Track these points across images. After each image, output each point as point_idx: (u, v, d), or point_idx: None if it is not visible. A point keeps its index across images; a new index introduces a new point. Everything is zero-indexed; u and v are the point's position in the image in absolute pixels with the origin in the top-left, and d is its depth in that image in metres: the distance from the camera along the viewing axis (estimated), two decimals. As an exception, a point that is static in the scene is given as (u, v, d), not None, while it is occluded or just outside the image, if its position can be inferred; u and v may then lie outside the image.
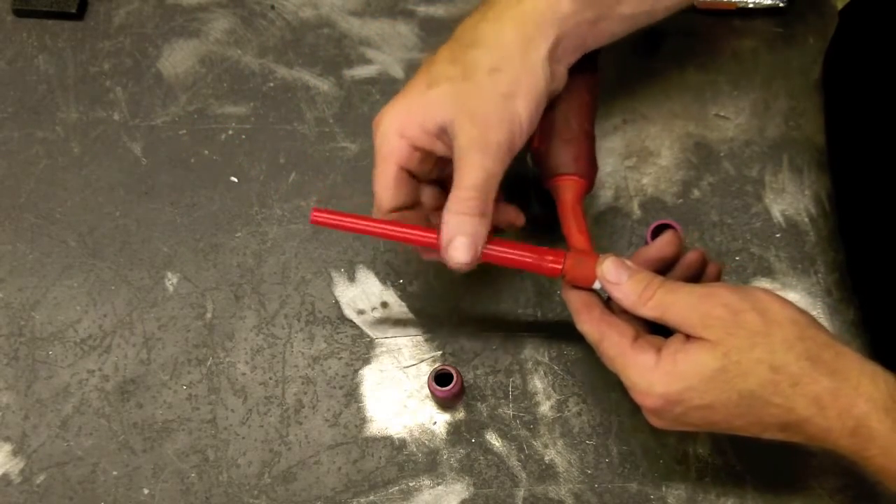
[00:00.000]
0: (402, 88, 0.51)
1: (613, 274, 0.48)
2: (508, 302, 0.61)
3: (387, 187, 0.51)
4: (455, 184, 0.49)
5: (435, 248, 0.50)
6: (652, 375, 0.46)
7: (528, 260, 0.50)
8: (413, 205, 0.52)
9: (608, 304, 0.51)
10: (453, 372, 0.56)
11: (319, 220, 0.50)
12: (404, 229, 0.50)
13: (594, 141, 0.56)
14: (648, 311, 0.47)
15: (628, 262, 0.49)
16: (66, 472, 0.58)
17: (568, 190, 0.53)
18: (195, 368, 0.60)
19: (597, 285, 0.50)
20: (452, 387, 0.55)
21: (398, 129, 0.50)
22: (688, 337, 0.46)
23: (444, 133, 0.49)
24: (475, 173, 0.48)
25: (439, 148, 0.50)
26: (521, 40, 0.50)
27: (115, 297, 0.62)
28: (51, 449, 0.58)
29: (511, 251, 0.50)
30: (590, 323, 0.49)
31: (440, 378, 0.56)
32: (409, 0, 0.70)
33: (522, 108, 0.49)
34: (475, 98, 0.49)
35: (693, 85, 0.67)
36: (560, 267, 0.50)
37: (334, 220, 0.50)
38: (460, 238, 0.48)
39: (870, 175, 0.57)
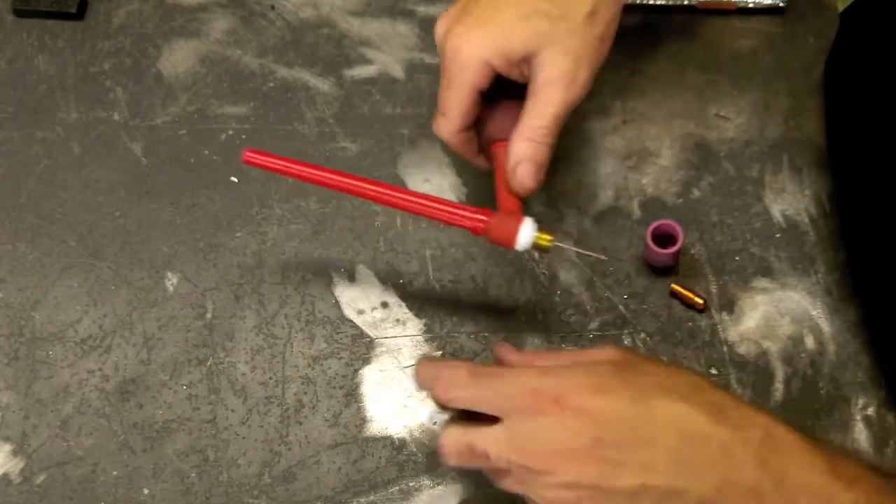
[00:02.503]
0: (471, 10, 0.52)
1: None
2: (508, 302, 0.61)
3: (465, 111, 0.53)
4: (532, 111, 0.51)
5: (355, 194, 0.51)
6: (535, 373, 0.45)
7: (453, 214, 0.51)
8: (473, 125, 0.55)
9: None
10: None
11: (252, 160, 0.52)
12: (340, 177, 0.52)
13: None
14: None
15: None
16: (66, 472, 0.58)
17: (504, 154, 0.54)
18: (195, 368, 0.60)
19: (519, 246, 0.51)
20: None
21: (481, 56, 0.51)
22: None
23: (524, 63, 0.52)
24: (557, 106, 0.51)
25: (515, 75, 0.53)
26: None
27: (115, 297, 0.62)
28: (51, 449, 0.58)
29: (439, 204, 0.51)
30: (423, 366, 0.48)
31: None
32: (409, 0, 0.71)
33: (607, 48, 0.53)
34: (572, 36, 0.51)
35: (693, 85, 0.67)
36: (483, 224, 0.51)
37: (268, 161, 0.52)
38: (528, 163, 0.51)
39: (872, 177, 0.57)
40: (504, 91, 0.54)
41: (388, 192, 0.52)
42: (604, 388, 0.42)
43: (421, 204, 0.52)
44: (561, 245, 0.52)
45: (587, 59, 0.52)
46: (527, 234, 0.50)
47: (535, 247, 0.51)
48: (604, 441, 0.41)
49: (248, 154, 0.52)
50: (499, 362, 0.50)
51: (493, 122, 0.55)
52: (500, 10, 0.51)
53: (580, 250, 0.52)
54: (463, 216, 0.51)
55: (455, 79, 0.52)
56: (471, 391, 0.45)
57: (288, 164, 0.52)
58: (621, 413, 0.41)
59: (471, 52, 0.51)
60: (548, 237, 0.51)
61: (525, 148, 0.52)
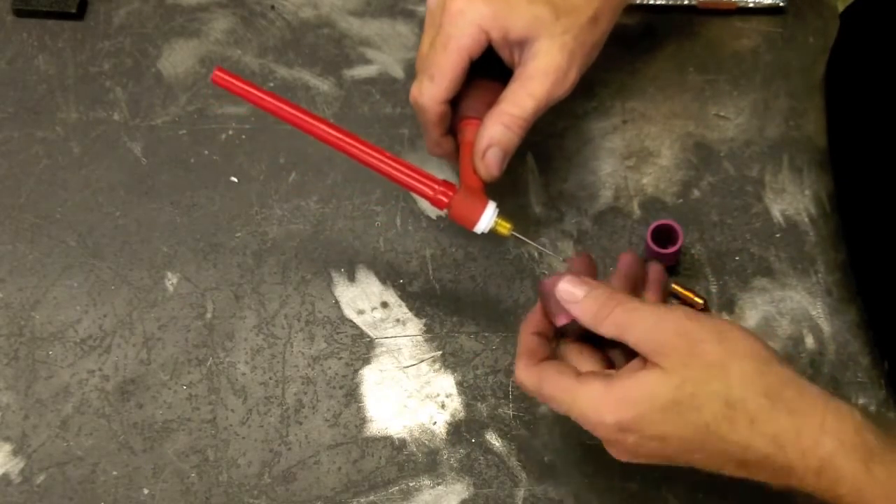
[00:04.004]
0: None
1: (569, 292, 0.46)
2: (508, 302, 0.61)
3: (456, 76, 0.52)
4: (513, 98, 0.51)
5: (339, 149, 0.50)
6: (602, 403, 0.44)
7: (418, 184, 0.51)
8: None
9: (560, 338, 0.50)
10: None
11: (221, 81, 0.50)
12: (309, 118, 0.50)
13: None
14: (606, 329, 0.45)
15: (584, 277, 0.47)
16: (66, 472, 0.58)
17: (473, 132, 0.54)
18: (195, 368, 0.60)
19: (478, 229, 0.51)
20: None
21: (480, 22, 0.51)
22: (645, 362, 0.44)
23: (518, 45, 0.52)
24: (540, 99, 0.51)
25: (504, 54, 0.52)
26: None
27: (115, 297, 0.62)
28: (51, 449, 0.58)
29: (406, 170, 0.51)
30: (526, 370, 0.47)
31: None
32: (409, 0, 0.70)
33: (595, 57, 0.54)
34: (571, 35, 0.51)
35: (693, 85, 0.67)
36: (447, 200, 0.51)
37: (238, 86, 0.50)
38: (498, 149, 0.51)
39: (874, 176, 0.57)
40: (479, 69, 0.54)
41: (355, 143, 0.50)
42: (658, 422, 0.44)
43: (387, 164, 0.51)
44: (518, 235, 0.52)
45: (580, 60, 0.52)
46: (487, 219, 0.51)
47: (493, 232, 0.52)
48: (667, 451, 0.44)
49: (218, 73, 0.50)
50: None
51: (466, 98, 0.54)
52: None
53: (530, 242, 0.52)
54: (427, 185, 0.51)
55: (452, 41, 0.51)
56: (536, 393, 0.47)
57: (254, 91, 0.50)
58: (681, 444, 0.44)
59: (472, 16, 0.51)
60: (507, 225, 0.52)
61: (499, 132, 0.51)
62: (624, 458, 0.46)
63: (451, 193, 0.51)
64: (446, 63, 0.51)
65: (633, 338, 0.45)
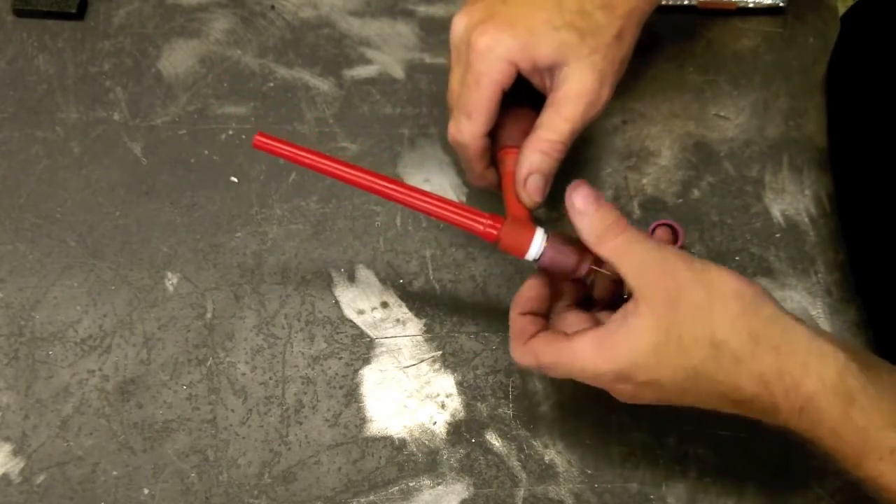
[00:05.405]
0: (498, 13, 0.52)
1: (581, 202, 0.47)
2: (508, 302, 0.61)
3: (491, 111, 0.52)
4: (549, 124, 0.51)
5: (387, 197, 0.50)
6: (596, 355, 0.45)
7: (465, 220, 0.50)
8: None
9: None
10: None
11: (262, 145, 0.49)
12: (354, 171, 0.49)
13: None
14: (604, 251, 0.46)
15: (600, 193, 0.48)
16: (66, 472, 0.58)
17: (513, 160, 0.54)
18: (195, 368, 0.60)
19: (529, 256, 0.50)
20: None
21: (509, 56, 0.51)
22: (634, 305, 0.45)
23: (547, 71, 0.51)
24: (575, 122, 0.51)
25: (535, 81, 0.52)
26: (640, 11, 0.53)
27: (115, 297, 0.62)
28: (51, 449, 0.58)
29: (451, 207, 0.50)
30: (520, 350, 0.49)
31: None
32: (409, 0, 0.71)
33: (624, 71, 0.53)
34: (599, 55, 0.51)
35: (693, 85, 0.67)
36: (496, 232, 0.50)
37: (280, 147, 0.49)
38: (539, 176, 0.52)
39: (874, 177, 0.57)
40: (510, 95, 0.54)
41: (401, 190, 0.50)
42: (651, 368, 0.45)
43: (434, 205, 0.50)
44: None
45: (610, 78, 0.52)
46: (537, 246, 0.50)
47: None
48: (663, 394, 0.46)
49: (259, 138, 0.48)
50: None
51: (502, 128, 0.54)
52: (530, 15, 0.51)
53: (599, 268, 0.52)
54: (476, 221, 0.50)
55: (484, 77, 0.51)
56: (537, 368, 0.49)
57: (299, 153, 0.49)
58: (675, 386, 0.45)
59: (500, 51, 0.51)
60: None
61: (538, 159, 0.51)
62: (628, 402, 0.48)
63: (499, 225, 0.50)
64: (481, 100, 0.52)
65: (625, 268, 0.45)
